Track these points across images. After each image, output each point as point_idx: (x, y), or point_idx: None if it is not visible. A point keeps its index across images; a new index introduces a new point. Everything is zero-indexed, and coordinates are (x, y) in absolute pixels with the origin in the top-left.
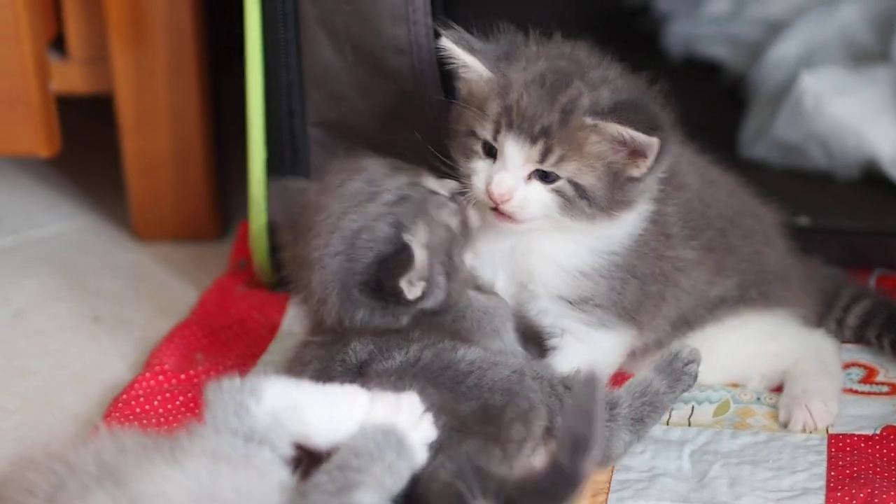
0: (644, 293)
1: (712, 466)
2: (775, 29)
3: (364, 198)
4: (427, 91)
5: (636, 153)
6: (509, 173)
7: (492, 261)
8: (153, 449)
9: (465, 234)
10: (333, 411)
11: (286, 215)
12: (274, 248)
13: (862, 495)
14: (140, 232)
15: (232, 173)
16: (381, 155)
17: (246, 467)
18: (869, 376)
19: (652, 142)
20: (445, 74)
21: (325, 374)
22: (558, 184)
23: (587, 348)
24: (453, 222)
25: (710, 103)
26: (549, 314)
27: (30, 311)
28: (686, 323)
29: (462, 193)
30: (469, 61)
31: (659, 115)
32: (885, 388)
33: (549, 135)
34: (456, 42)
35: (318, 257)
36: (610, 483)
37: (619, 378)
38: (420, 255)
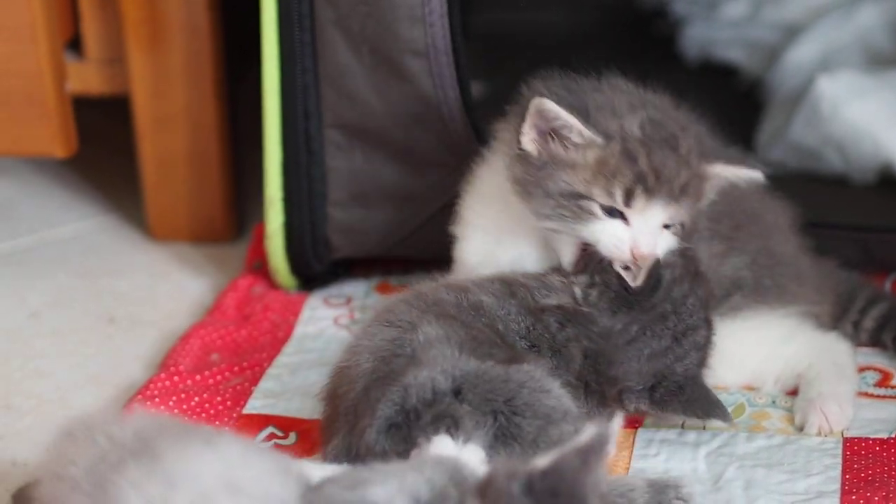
0: None
1: (727, 469)
2: (792, 33)
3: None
4: (445, 94)
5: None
6: (653, 234)
7: None
8: (190, 430)
9: None
10: None
11: None
12: (291, 251)
13: (877, 498)
14: (156, 233)
15: (248, 175)
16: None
17: (272, 457)
18: (884, 380)
19: (758, 176)
20: (462, 77)
21: None
22: (673, 227)
23: None
24: None
25: (727, 107)
26: None
27: (45, 312)
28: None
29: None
30: (574, 123)
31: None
32: None
33: (687, 192)
34: (559, 103)
35: None
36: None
37: None
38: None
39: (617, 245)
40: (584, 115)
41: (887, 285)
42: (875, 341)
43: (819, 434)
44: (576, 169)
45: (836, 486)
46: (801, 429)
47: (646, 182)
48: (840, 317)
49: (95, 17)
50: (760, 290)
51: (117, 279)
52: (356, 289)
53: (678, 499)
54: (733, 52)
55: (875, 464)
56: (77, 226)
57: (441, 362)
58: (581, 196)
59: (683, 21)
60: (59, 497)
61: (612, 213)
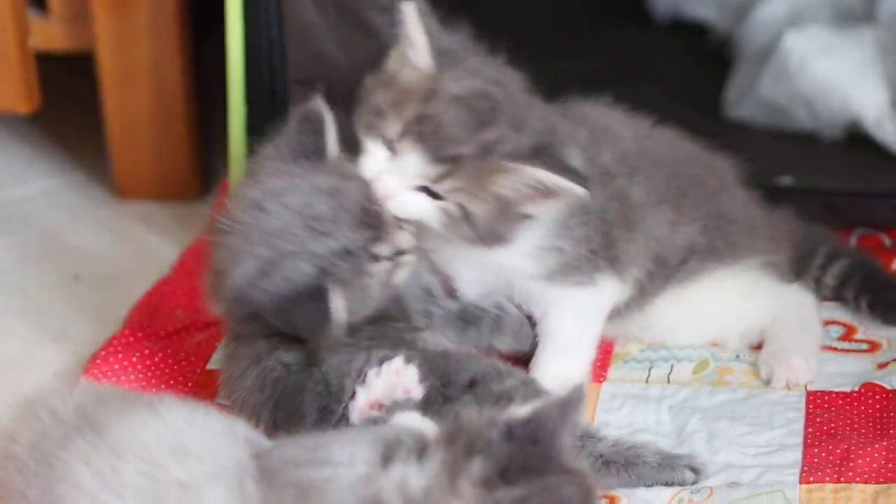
0: (607, 221)
1: (690, 421)
2: None
3: (314, 230)
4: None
5: (548, 195)
6: (399, 180)
7: (456, 262)
8: (133, 399)
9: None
10: None
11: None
12: None
13: (839, 451)
14: (121, 190)
15: (214, 132)
16: None
17: (220, 420)
18: (848, 334)
19: (579, 191)
20: None
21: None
22: (444, 203)
23: (573, 311)
24: (377, 293)
25: (697, 65)
26: (529, 295)
27: (9, 270)
28: (663, 264)
29: None
30: (419, 42)
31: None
32: (864, 346)
33: (458, 164)
34: (420, 15)
35: (236, 253)
36: None
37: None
38: (339, 309)
39: (367, 165)
40: (436, 43)
41: (853, 241)
42: (837, 297)
43: (785, 387)
44: (392, 87)
45: (799, 438)
46: (767, 382)
47: (421, 127)
48: (801, 273)
49: None
50: (714, 251)
51: (82, 237)
52: None
53: (688, 467)
54: (703, 10)
55: (838, 417)
56: (42, 184)
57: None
58: (379, 113)
59: None
60: (4, 478)
61: (391, 146)
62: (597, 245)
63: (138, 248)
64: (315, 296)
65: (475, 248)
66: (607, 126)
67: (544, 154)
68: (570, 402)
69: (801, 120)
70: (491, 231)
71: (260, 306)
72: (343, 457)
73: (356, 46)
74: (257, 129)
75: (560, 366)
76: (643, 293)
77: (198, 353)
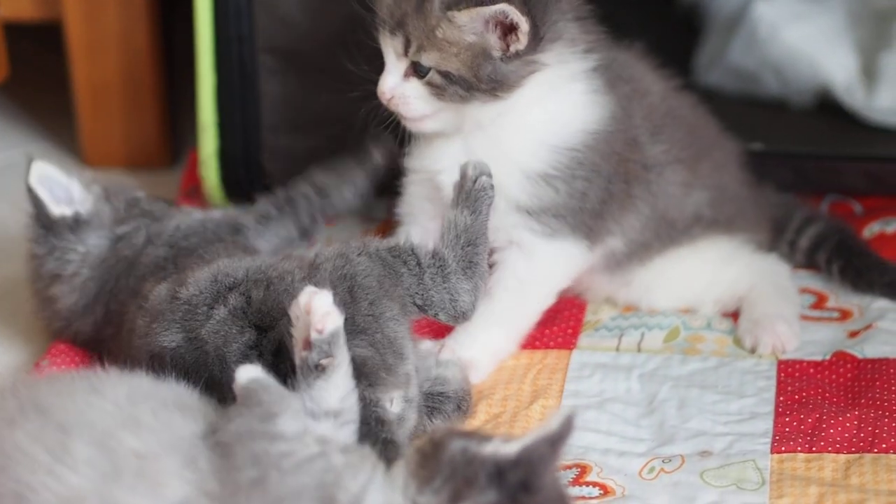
0: (608, 193)
1: (661, 389)
2: None
3: None
4: None
5: (508, 29)
6: (390, 74)
7: (452, 167)
8: (74, 380)
9: None
10: None
11: None
12: (225, 175)
13: (810, 420)
14: (90, 160)
15: (183, 101)
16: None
17: (171, 390)
18: (819, 302)
19: (503, 7)
20: None
21: None
22: (429, 76)
23: (530, 262)
24: None
25: (665, 31)
26: (501, 228)
27: None
28: (671, 226)
29: None
30: None
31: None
32: (835, 314)
33: (404, 25)
34: None
35: None
36: (559, 409)
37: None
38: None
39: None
40: None
41: (824, 208)
42: (810, 262)
43: (772, 354)
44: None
45: (770, 407)
46: (752, 350)
47: (381, 12)
48: (777, 238)
49: None
50: (714, 223)
51: None
52: None
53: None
54: None
55: (809, 386)
56: (9, 153)
57: None
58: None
59: None
60: None
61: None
62: (588, 206)
63: None
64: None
65: (484, 105)
66: (639, 79)
67: None
68: (561, 437)
69: (770, 87)
70: (487, 79)
71: None
72: (294, 431)
73: (324, 13)
74: (226, 97)
75: (492, 336)
76: (647, 251)
77: None
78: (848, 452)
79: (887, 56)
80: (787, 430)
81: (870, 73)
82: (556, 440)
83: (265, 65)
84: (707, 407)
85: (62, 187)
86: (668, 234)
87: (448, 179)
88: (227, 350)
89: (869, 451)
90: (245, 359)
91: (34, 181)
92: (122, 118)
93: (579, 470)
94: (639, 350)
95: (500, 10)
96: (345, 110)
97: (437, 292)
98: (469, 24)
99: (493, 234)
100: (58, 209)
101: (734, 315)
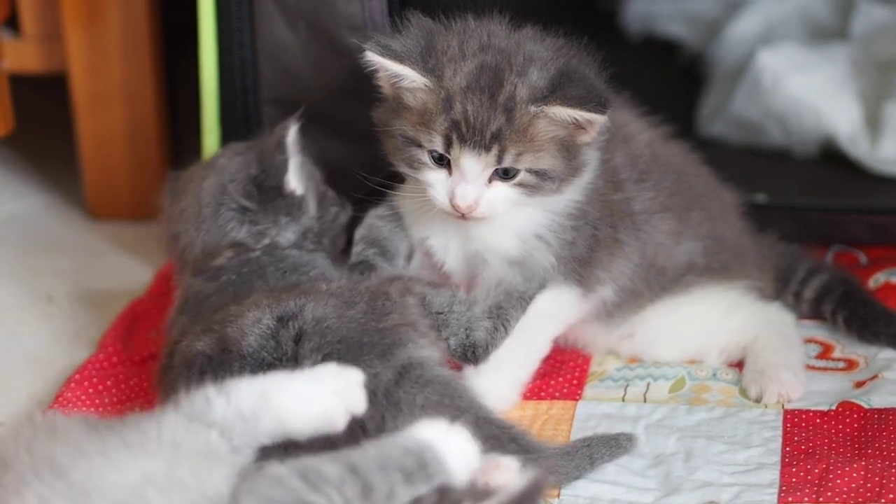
0: (595, 239)
1: (668, 441)
2: (733, 7)
3: (233, 149)
4: None
5: (581, 127)
6: (471, 185)
7: (443, 232)
8: (100, 431)
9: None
10: (306, 387)
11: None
12: None
13: (817, 470)
14: (95, 211)
15: (187, 153)
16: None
17: (200, 454)
18: (825, 352)
19: (599, 119)
20: None
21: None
22: (519, 177)
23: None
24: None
25: (669, 82)
26: (495, 279)
27: None
28: (662, 274)
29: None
30: (402, 72)
31: (591, 78)
32: (841, 364)
33: (501, 138)
34: (383, 54)
35: (193, 197)
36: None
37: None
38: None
39: (437, 195)
40: (416, 59)
41: (828, 258)
42: (815, 312)
43: (778, 403)
44: (409, 112)
45: (777, 457)
46: (757, 400)
47: (459, 130)
48: (781, 289)
49: None
50: (709, 270)
51: (56, 258)
52: None
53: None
54: (675, 27)
55: (816, 436)
56: (15, 205)
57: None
58: (411, 142)
59: None
60: None
61: (441, 160)
62: (576, 254)
63: (112, 269)
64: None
65: (562, 193)
66: (622, 124)
67: (561, 86)
68: (527, 498)
69: (774, 137)
70: (568, 169)
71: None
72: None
73: (328, 66)
74: None
75: (495, 382)
76: (638, 299)
77: None
78: (855, 503)
79: (891, 106)
80: (794, 480)
81: (874, 123)
82: (522, 501)
83: (270, 116)
84: (713, 457)
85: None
86: (658, 282)
87: (437, 245)
88: None
89: (876, 501)
90: None
91: (290, 141)
92: (127, 170)
93: None
94: (644, 400)
95: (596, 119)
96: (347, 161)
97: (456, 317)
98: (559, 117)
99: (489, 282)
100: (295, 183)
101: (739, 365)
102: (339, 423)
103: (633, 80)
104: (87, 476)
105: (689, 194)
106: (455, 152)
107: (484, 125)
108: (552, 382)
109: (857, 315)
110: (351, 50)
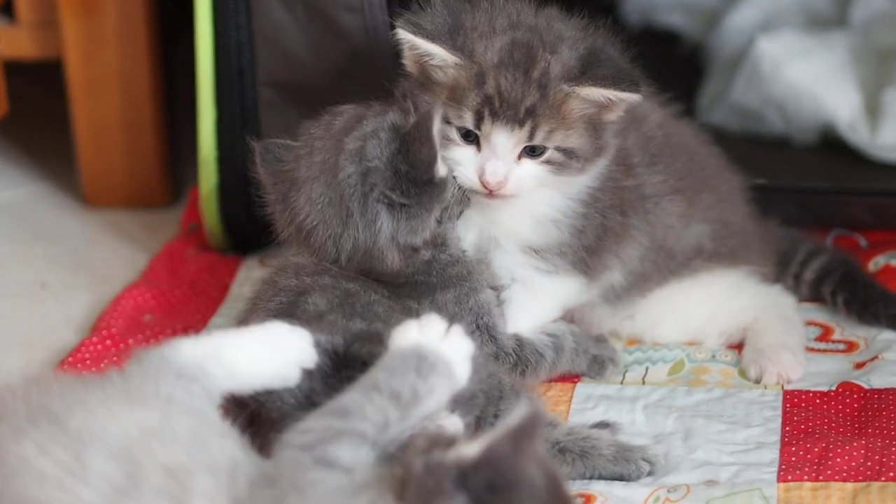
0: (604, 228)
1: (666, 421)
2: None
3: (354, 123)
4: (380, 50)
5: (610, 106)
6: (501, 161)
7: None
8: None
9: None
10: (264, 347)
11: (271, 173)
12: (225, 211)
13: (817, 449)
14: (90, 199)
15: (183, 140)
16: None
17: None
18: (825, 335)
19: (633, 97)
20: None
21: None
22: (547, 154)
23: (533, 296)
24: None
25: (669, 72)
26: (506, 267)
27: None
28: (671, 257)
29: None
30: (433, 50)
31: (618, 57)
32: (841, 346)
33: (535, 114)
34: (415, 33)
35: (329, 193)
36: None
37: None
38: (435, 128)
39: (465, 172)
40: (446, 37)
41: (828, 242)
42: (815, 294)
43: (777, 384)
44: (439, 88)
45: (776, 437)
46: (757, 381)
47: (492, 105)
48: (782, 270)
49: None
50: (716, 255)
51: (50, 245)
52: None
53: (644, 459)
54: (674, 17)
55: (815, 416)
56: (10, 193)
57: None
58: (441, 118)
59: None
60: None
61: (468, 137)
62: (585, 243)
63: (107, 256)
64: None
65: (585, 173)
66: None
67: (592, 65)
68: (523, 433)
69: (774, 125)
70: (593, 148)
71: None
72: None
73: (325, 48)
74: (226, 131)
75: None
76: (647, 282)
77: None
78: (855, 481)
79: (891, 93)
80: (794, 459)
81: (873, 110)
82: (518, 436)
83: (266, 98)
84: (712, 437)
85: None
86: (667, 265)
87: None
88: None
89: (876, 480)
90: None
91: (436, 130)
92: (122, 157)
93: (584, 500)
94: (643, 383)
95: (630, 98)
96: None
97: None
98: (591, 96)
99: (499, 272)
100: (443, 170)
101: (739, 347)
102: (291, 376)
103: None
104: (85, 425)
105: (699, 176)
106: (486, 127)
107: (518, 100)
108: None
109: (857, 296)
110: (349, 31)
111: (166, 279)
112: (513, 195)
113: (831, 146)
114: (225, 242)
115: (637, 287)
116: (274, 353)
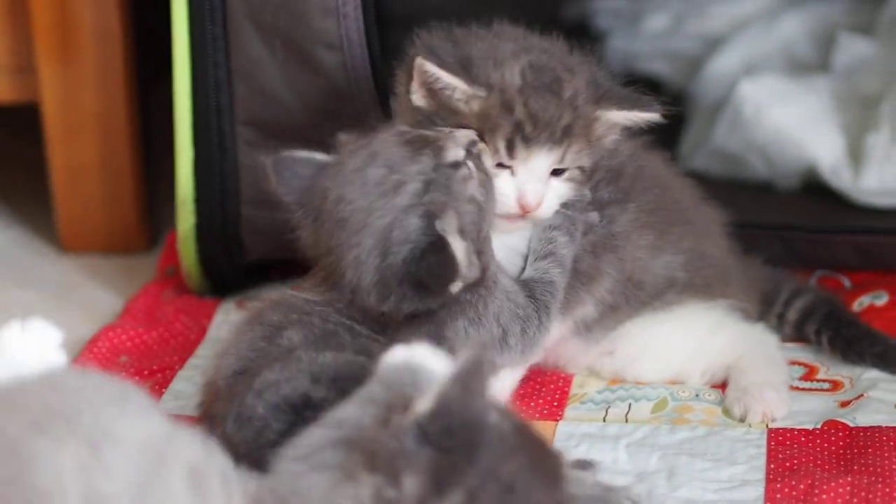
0: (576, 271)
1: (650, 459)
2: (715, 44)
3: (388, 188)
4: (359, 87)
5: (616, 129)
6: (539, 182)
7: None
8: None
9: (489, 199)
10: None
11: (295, 192)
12: (203, 252)
13: (802, 486)
14: (67, 244)
15: (163, 182)
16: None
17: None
18: (810, 374)
19: (653, 117)
20: (377, 69)
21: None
22: (568, 173)
23: None
24: (479, 193)
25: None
26: None
27: None
28: (639, 288)
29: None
30: (454, 82)
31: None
32: (826, 385)
33: (571, 133)
34: (441, 66)
35: (351, 256)
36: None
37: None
38: (459, 248)
39: (504, 198)
40: (465, 68)
41: (812, 283)
42: (799, 334)
43: (762, 422)
44: (465, 119)
45: (761, 474)
46: (741, 419)
47: (524, 130)
48: (765, 311)
49: (4, 24)
50: (691, 287)
51: (26, 291)
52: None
53: (627, 499)
54: (656, 65)
55: (801, 453)
56: None
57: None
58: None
59: (605, 34)
60: None
61: (500, 164)
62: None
63: (84, 301)
64: (435, 247)
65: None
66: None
67: (605, 91)
68: (469, 374)
69: (756, 169)
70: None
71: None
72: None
73: (304, 85)
74: (204, 170)
75: None
76: (616, 313)
77: None
78: None
79: (874, 137)
80: (779, 496)
81: (856, 154)
82: (464, 378)
83: (244, 137)
84: (696, 474)
85: None
86: (636, 296)
87: None
88: None
89: None
90: None
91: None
92: (99, 201)
93: None
94: (626, 420)
95: (652, 118)
96: None
97: None
98: (616, 122)
99: None
100: (470, 272)
101: (722, 386)
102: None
103: None
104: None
105: (672, 208)
106: (521, 153)
107: (555, 120)
108: (532, 404)
109: (842, 335)
110: (328, 68)
111: (143, 321)
112: (542, 215)
113: (814, 191)
114: (203, 285)
115: (607, 318)
116: None
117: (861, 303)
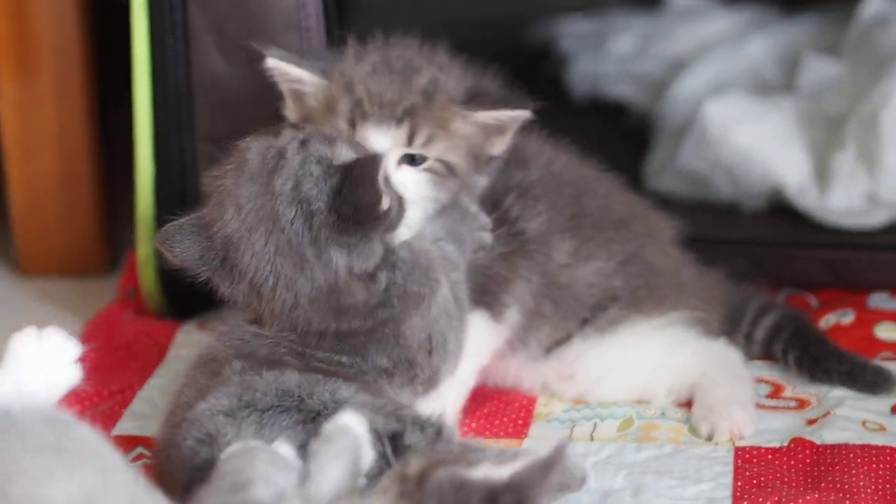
0: (487, 276)
1: (616, 478)
2: (680, 67)
3: (275, 159)
4: None
5: (498, 131)
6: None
7: None
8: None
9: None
10: None
11: (191, 253)
12: (164, 273)
13: (769, 503)
14: (26, 266)
15: (121, 206)
16: None
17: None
18: (776, 392)
19: (523, 115)
20: None
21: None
22: (428, 163)
23: None
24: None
25: (616, 142)
26: None
27: None
28: (571, 297)
29: None
30: (301, 75)
31: (502, 88)
32: (793, 403)
33: (414, 115)
34: (282, 59)
35: (272, 280)
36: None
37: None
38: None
39: None
40: (312, 64)
41: (779, 301)
42: (766, 352)
43: (730, 440)
44: (315, 115)
45: (728, 492)
46: (709, 438)
47: (362, 107)
48: (732, 330)
49: None
50: (636, 300)
51: None
52: (234, 315)
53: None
54: (621, 88)
55: (768, 471)
56: None
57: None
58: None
59: (570, 58)
60: None
61: None
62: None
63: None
64: (345, 173)
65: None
66: (520, 149)
67: (478, 92)
68: (553, 464)
69: (722, 190)
70: (465, 181)
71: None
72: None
73: (265, 98)
74: (164, 188)
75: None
76: (546, 321)
77: (104, 419)
78: None
79: (840, 157)
80: None
81: (822, 174)
82: (547, 467)
83: (205, 153)
84: (663, 492)
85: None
86: (570, 306)
87: None
88: None
89: None
90: None
91: (381, 176)
92: (59, 221)
93: None
94: (591, 439)
95: (521, 115)
96: None
97: None
98: (486, 122)
99: None
100: (387, 202)
101: (688, 405)
102: None
103: (579, 142)
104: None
105: (598, 215)
106: (361, 131)
107: (395, 101)
108: (496, 422)
109: (809, 353)
110: None
111: (102, 341)
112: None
113: (780, 211)
114: (163, 306)
115: (539, 328)
116: None
117: (827, 321)
